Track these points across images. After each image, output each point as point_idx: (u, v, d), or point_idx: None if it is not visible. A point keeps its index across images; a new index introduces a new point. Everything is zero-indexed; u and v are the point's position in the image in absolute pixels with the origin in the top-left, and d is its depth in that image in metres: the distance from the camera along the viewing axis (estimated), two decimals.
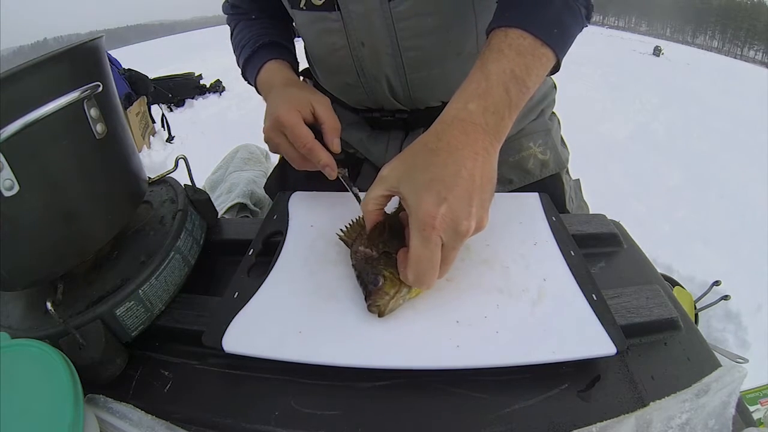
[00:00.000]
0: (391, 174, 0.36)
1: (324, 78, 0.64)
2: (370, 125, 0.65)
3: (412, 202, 0.33)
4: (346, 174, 0.48)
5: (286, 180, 0.71)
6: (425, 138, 0.36)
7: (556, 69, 0.42)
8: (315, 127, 0.48)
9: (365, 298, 0.36)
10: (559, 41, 0.39)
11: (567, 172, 0.66)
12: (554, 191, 0.61)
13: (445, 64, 0.54)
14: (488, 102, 0.36)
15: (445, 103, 0.38)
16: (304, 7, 0.53)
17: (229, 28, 0.67)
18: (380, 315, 0.35)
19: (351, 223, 0.44)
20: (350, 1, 0.50)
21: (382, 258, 0.38)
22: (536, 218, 0.47)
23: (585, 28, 0.44)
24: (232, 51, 0.64)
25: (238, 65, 0.62)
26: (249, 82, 0.61)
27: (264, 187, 0.77)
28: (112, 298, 0.37)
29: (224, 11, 0.67)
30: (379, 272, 0.36)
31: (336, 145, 0.48)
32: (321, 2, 0.51)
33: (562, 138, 0.68)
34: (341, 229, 0.43)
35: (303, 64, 0.66)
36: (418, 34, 0.51)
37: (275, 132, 0.47)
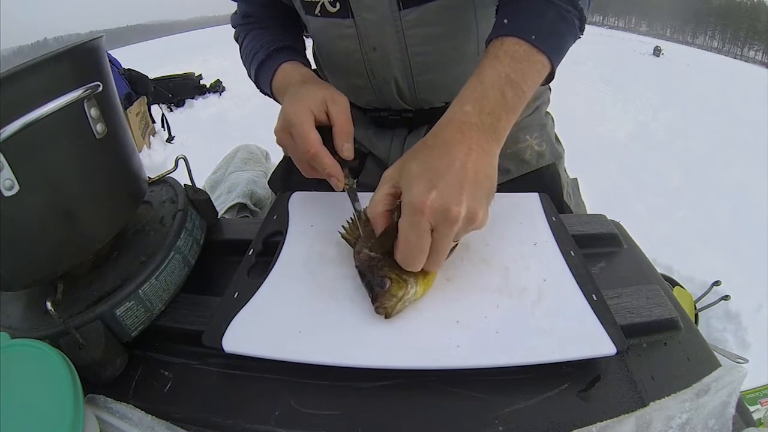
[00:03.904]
0: (393, 171, 0.38)
1: (334, 80, 0.66)
2: (375, 123, 0.67)
3: (405, 189, 0.35)
4: (354, 186, 0.44)
5: (291, 174, 0.71)
6: (425, 138, 0.38)
7: (550, 77, 0.43)
8: (329, 129, 0.44)
9: (372, 300, 0.36)
10: (554, 49, 0.41)
11: (564, 169, 0.69)
12: (551, 183, 0.63)
13: (449, 68, 0.57)
14: (484, 104, 0.37)
15: (448, 104, 0.39)
16: (319, 14, 0.55)
17: (236, 42, 0.64)
18: (387, 317, 0.36)
19: (352, 218, 0.43)
20: (363, 10, 0.52)
21: (386, 259, 0.38)
22: (536, 218, 0.47)
23: (578, 39, 0.45)
24: (242, 63, 0.61)
25: (250, 75, 0.59)
26: (264, 91, 0.58)
27: (268, 182, 0.77)
28: (112, 298, 0.37)
29: (234, 24, 0.65)
30: (385, 274, 0.36)
31: (346, 151, 0.44)
32: (335, 10, 0.53)
33: (556, 135, 0.71)
34: (343, 227, 0.43)
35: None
36: (425, 40, 0.54)
37: (284, 132, 0.44)
